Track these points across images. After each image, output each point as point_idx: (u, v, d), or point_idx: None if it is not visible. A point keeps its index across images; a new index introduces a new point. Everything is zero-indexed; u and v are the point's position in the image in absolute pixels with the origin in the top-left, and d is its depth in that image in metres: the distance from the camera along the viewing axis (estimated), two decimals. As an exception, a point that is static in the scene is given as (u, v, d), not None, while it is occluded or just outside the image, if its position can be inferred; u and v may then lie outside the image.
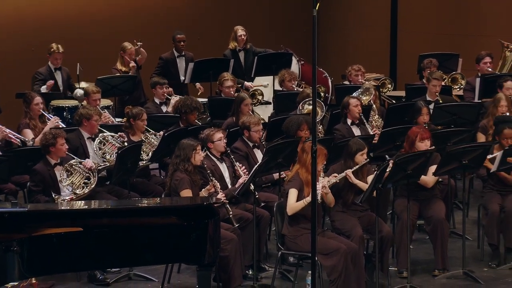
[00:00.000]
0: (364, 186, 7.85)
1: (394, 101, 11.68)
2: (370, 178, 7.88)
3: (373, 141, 9.12)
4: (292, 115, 9.60)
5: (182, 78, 11.95)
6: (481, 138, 9.57)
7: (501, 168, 8.33)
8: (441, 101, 10.41)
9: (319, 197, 7.40)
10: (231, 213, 7.91)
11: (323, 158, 7.64)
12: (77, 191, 8.36)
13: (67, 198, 8.26)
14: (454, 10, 14.09)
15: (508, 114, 9.64)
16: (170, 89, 10.98)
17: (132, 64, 11.61)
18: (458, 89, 11.56)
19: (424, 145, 8.25)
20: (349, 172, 7.83)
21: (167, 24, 13.55)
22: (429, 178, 8.21)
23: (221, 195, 7.91)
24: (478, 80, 11.23)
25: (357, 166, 7.89)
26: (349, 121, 9.62)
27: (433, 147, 8.33)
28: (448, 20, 14.09)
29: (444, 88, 10.92)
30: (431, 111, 10.04)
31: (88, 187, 8.42)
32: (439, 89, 10.59)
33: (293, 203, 7.59)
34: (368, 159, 8.06)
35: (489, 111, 9.84)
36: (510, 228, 8.45)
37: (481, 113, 10.15)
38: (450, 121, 9.90)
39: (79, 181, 8.42)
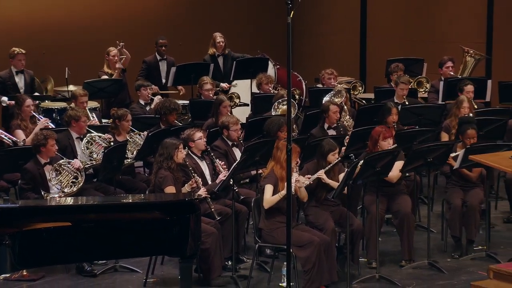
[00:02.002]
0: (335, 185, 7.85)
1: (364, 102, 11.73)
2: (341, 176, 7.89)
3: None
4: (268, 116, 9.61)
5: (163, 80, 11.94)
6: (444, 137, 9.61)
7: (463, 165, 8.37)
8: (407, 103, 10.46)
9: (292, 189, 7.42)
10: (212, 207, 7.89)
11: (296, 155, 7.65)
12: (65, 190, 8.31)
13: (55, 196, 8.21)
14: (419, 18, 14.17)
15: (471, 115, 9.70)
16: (155, 87, 10.98)
17: (119, 65, 11.53)
18: (423, 92, 11.61)
19: (387, 143, 8.27)
20: (321, 174, 7.82)
21: (150, 31, 13.52)
22: (393, 174, 8.23)
23: (202, 191, 7.89)
24: (441, 83, 11.29)
25: (329, 166, 7.90)
26: (326, 125, 9.62)
27: (395, 145, 8.35)
28: (414, 28, 14.17)
29: (410, 91, 10.98)
30: (399, 112, 10.09)
31: (76, 186, 8.37)
32: (406, 92, 10.63)
33: (269, 197, 7.60)
34: (339, 159, 8.07)
35: (452, 112, 9.89)
36: (471, 221, 8.50)
37: (444, 114, 10.20)
38: (416, 121, 9.95)
39: (67, 180, 8.36)
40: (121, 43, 11.61)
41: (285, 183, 7.18)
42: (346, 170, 7.76)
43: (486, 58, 12.86)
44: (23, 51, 11.04)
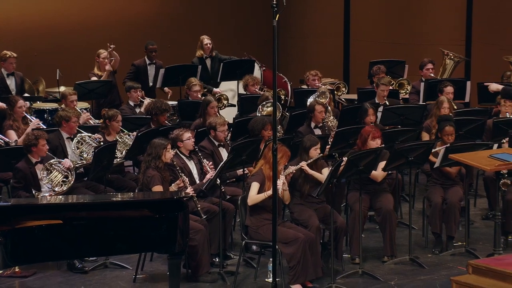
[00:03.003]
0: (319, 176, 7.86)
1: (344, 100, 11.74)
2: (324, 171, 7.90)
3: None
4: (254, 116, 9.60)
5: (150, 83, 11.94)
6: (425, 137, 9.64)
7: (444, 163, 8.40)
8: (388, 104, 10.49)
9: (279, 192, 7.42)
10: (199, 206, 7.88)
11: (286, 159, 7.66)
12: (56, 189, 8.27)
13: (46, 194, 8.18)
14: (400, 22, 14.21)
15: (451, 115, 9.72)
16: (143, 91, 10.96)
17: (108, 67, 11.49)
18: (404, 94, 11.65)
19: (375, 143, 8.29)
20: (304, 164, 7.84)
21: (140, 34, 13.51)
22: (378, 173, 8.26)
23: (189, 190, 7.88)
24: (422, 84, 11.33)
25: (311, 160, 7.91)
26: (312, 124, 9.64)
27: (383, 145, 8.38)
28: (396, 31, 14.21)
29: (392, 92, 11.01)
30: (380, 113, 10.11)
31: (66, 184, 8.33)
32: (386, 93, 10.66)
33: (254, 195, 7.59)
34: (321, 154, 8.08)
35: (432, 112, 9.92)
36: (451, 218, 8.51)
37: (425, 114, 10.23)
38: (398, 121, 9.97)
39: (58, 179, 8.33)
40: (112, 46, 11.59)
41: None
42: (331, 168, 7.76)
43: (465, 60, 12.91)
44: (15, 55, 11.00)
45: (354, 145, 8.71)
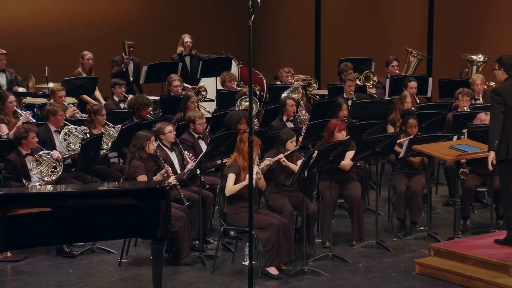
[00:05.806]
0: (294, 167, 7.88)
1: (318, 97, 11.79)
2: (299, 162, 7.93)
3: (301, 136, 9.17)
4: (232, 110, 9.60)
5: (131, 79, 11.91)
6: (390, 129, 9.69)
7: (408, 154, 8.46)
8: (355, 99, 10.53)
9: (253, 181, 7.42)
10: (182, 194, 7.88)
11: (257, 147, 7.66)
12: (45, 179, 8.22)
13: (36, 184, 8.13)
14: (368, 22, 14.27)
15: (413, 108, 9.79)
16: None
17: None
18: (371, 86, 11.70)
19: (341, 135, 8.31)
20: (282, 156, 7.86)
21: (123, 33, 13.43)
22: (346, 162, 8.29)
23: (172, 179, 7.87)
24: (388, 80, 11.39)
25: (288, 152, 7.92)
26: (284, 118, 9.66)
27: (349, 136, 8.40)
28: (363, 31, 14.26)
29: (360, 87, 11.05)
30: (349, 106, 10.15)
31: (55, 175, 8.28)
32: (353, 88, 10.71)
33: (231, 186, 7.59)
34: (297, 146, 8.10)
35: (396, 106, 9.97)
36: (414, 205, 8.58)
37: (390, 108, 10.29)
38: (365, 115, 10.01)
39: (47, 170, 8.27)
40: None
41: (247, 173, 7.19)
42: (303, 159, 7.79)
43: (427, 58, 13.00)
44: (4, 51, 10.94)
45: (324, 137, 8.72)
